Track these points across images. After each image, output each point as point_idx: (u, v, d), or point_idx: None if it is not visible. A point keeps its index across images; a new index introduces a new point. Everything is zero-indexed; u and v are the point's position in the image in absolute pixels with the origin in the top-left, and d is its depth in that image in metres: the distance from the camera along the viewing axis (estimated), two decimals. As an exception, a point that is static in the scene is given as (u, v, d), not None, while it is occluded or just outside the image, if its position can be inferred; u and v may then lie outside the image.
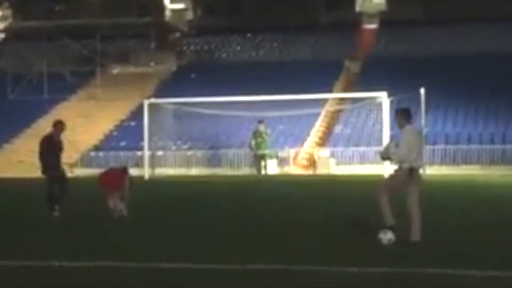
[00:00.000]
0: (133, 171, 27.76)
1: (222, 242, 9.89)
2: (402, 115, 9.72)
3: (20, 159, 29.72)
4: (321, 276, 7.54)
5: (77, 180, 24.20)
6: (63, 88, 37.32)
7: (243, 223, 11.97)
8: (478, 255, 8.65)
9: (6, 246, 9.78)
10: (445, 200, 15.68)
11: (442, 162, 27.25)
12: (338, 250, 9.06)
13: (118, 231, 11.26)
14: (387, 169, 20.84)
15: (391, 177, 10.35)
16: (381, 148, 11.93)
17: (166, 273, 7.76)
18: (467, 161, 27.66)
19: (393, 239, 9.17)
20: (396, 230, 9.34)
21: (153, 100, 28.34)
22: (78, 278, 7.53)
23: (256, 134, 26.31)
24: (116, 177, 13.47)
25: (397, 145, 9.81)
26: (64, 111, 36.23)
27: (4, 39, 44.29)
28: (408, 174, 9.47)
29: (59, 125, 13.62)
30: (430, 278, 7.41)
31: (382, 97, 25.06)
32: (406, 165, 9.50)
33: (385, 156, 10.21)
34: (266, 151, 26.24)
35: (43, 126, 31.99)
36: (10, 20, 44.95)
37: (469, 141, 28.86)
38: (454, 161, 27.65)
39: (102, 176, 13.80)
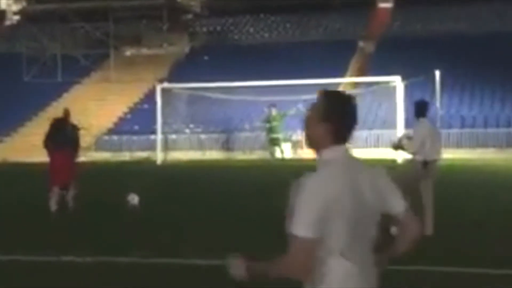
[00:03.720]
0: (146, 155, 28.20)
1: (232, 236, 9.75)
2: (418, 108, 9.68)
3: (34, 143, 29.72)
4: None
5: (91, 164, 24.27)
6: (76, 70, 37.33)
7: (253, 214, 11.80)
8: (495, 250, 8.49)
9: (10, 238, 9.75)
10: (461, 187, 15.52)
11: (457, 146, 26.99)
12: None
13: (129, 223, 11.20)
14: (401, 153, 20.66)
15: (405, 169, 10.31)
16: (394, 140, 11.85)
17: (176, 269, 7.70)
18: (483, 144, 27.40)
19: None
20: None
21: (166, 85, 28.26)
22: (84, 275, 7.49)
23: (270, 118, 26.12)
24: (69, 157, 12.34)
25: (409, 137, 9.82)
26: (78, 94, 36.33)
27: (19, 22, 44.31)
28: (422, 167, 9.43)
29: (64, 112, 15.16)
30: (442, 277, 7.33)
31: (396, 81, 24.82)
32: (419, 158, 9.47)
33: (397, 146, 10.19)
34: (280, 135, 26.04)
35: (57, 109, 32.05)
36: (24, 3, 44.96)
37: (485, 124, 28.58)
38: (470, 145, 27.39)
39: (55, 164, 12.28)
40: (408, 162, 9.95)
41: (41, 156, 11.31)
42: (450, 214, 10.79)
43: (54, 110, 32.87)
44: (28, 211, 12.74)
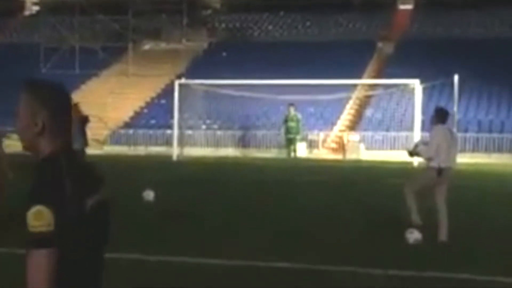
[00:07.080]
0: (162, 150, 28.26)
1: (244, 237, 9.71)
2: (437, 114, 9.63)
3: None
4: (343, 278, 7.46)
5: (106, 157, 24.37)
6: (94, 63, 37.43)
7: (265, 216, 11.75)
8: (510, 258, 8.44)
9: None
10: (476, 192, 15.46)
11: (473, 150, 26.85)
12: (363, 249, 8.94)
13: (140, 220, 11.22)
14: (416, 158, 20.59)
15: (420, 174, 10.31)
16: (409, 147, 11.83)
17: (187, 269, 7.71)
18: (499, 149, 27.24)
19: (420, 238, 9.07)
20: (424, 229, 9.25)
21: (183, 81, 28.26)
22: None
23: (287, 118, 26.11)
24: None
25: (425, 143, 9.83)
26: (95, 86, 36.46)
27: (38, 12, 44.54)
28: (436, 174, 9.40)
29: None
30: (455, 283, 7.31)
31: (415, 84, 24.72)
32: (434, 164, 9.44)
33: (413, 152, 10.21)
34: (296, 136, 25.99)
35: (74, 101, 32.21)
36: (44, -7, 45.19)
37: (502, 129, 28.39)
38: (486, 149, 27.24)
39: None
40: (423, 169, 9.93)
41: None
42: (464, 219, 10.74)
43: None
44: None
